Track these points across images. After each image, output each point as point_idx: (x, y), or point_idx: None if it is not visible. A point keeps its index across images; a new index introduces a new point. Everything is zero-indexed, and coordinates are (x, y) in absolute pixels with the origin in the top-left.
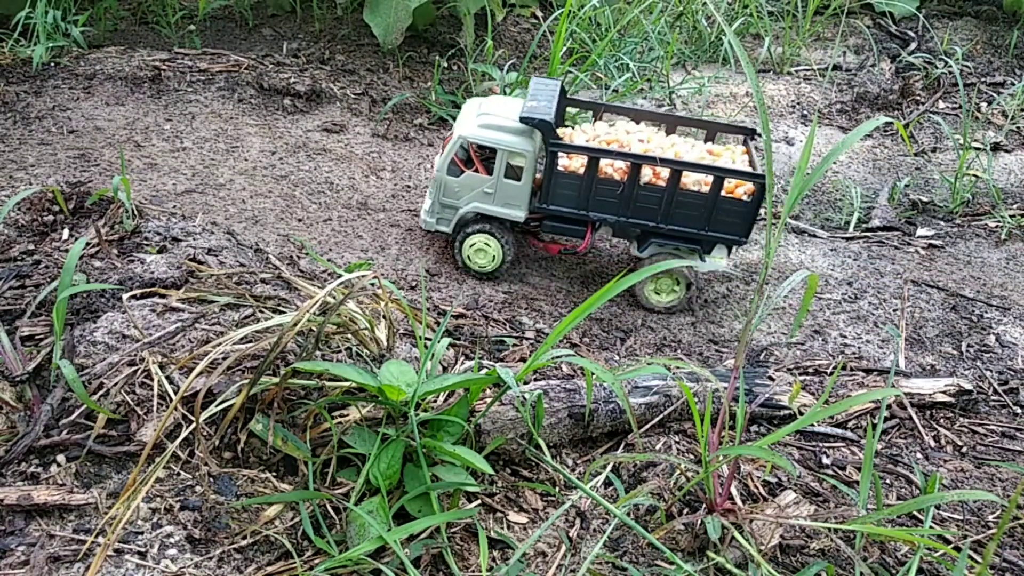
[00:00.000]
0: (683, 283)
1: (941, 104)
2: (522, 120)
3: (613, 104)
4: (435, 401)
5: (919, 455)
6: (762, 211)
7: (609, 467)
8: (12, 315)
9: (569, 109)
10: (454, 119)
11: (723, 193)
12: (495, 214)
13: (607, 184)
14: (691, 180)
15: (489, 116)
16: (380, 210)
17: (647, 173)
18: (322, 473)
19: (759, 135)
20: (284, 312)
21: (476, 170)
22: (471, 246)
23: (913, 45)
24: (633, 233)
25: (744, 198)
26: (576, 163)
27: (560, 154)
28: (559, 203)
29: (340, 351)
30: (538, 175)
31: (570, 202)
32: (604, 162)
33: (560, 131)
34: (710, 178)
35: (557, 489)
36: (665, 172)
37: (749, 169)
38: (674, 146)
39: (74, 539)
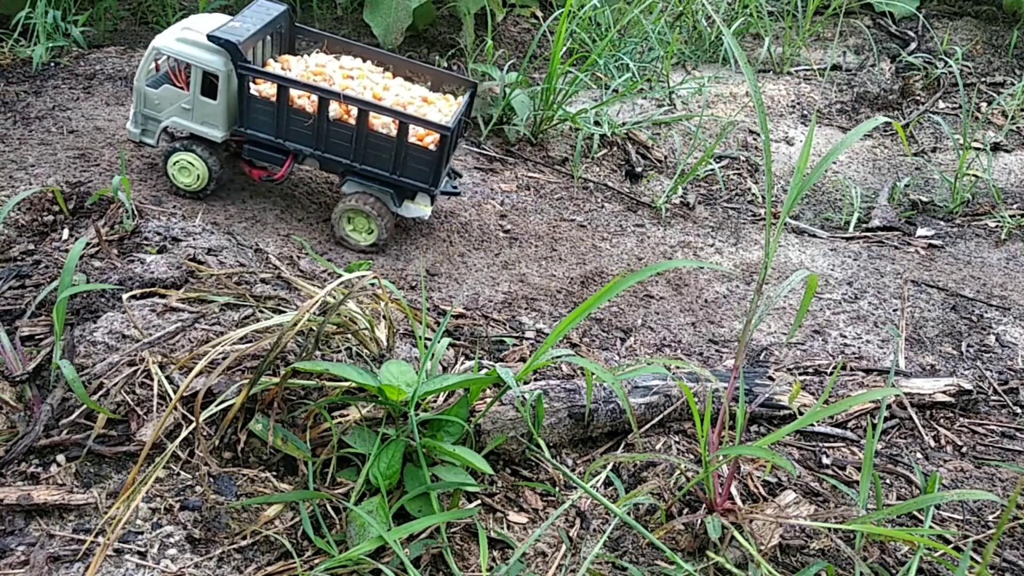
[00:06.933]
0: (376, 229)
1: (941, 104)
2: (209, 38)
3: (340, 38)
4: (435, 401)
5: (919, 455)
6: (761, 211)
7: (609, 467)
8: (12, 315)
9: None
10: None
11: (411, 140)
12: (194, 131)
13: (300, 115)
14: (380, 123)
15: (189, 31)
16: None
17: (335, 109)
18: (322, 473)
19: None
20: (284, 312)
21: (178, 85)
22: (174, 164)
23: (913, 45)
24: (338, 168)
25: (431, 147)
26: (274, 90)
27: (256, 79)
28: (255, 128)
29: (340, 351)
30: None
31: (266, 128)
32: (297, 93)
33: (283, 58)
34: (398, 122)
35: (557, 489)
36: (355, 111)
37: (436, 119)
38: (387, 89)
39: (74, 539)
